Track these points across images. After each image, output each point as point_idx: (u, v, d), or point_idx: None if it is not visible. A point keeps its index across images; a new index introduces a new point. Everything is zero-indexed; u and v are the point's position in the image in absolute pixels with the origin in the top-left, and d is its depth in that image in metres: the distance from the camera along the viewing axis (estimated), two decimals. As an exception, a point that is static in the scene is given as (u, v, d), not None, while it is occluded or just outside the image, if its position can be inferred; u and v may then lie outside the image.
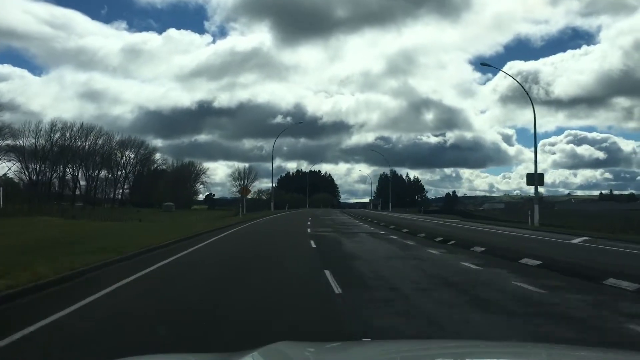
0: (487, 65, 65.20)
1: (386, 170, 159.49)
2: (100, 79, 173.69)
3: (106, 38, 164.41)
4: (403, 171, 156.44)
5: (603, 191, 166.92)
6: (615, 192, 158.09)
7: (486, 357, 2.45)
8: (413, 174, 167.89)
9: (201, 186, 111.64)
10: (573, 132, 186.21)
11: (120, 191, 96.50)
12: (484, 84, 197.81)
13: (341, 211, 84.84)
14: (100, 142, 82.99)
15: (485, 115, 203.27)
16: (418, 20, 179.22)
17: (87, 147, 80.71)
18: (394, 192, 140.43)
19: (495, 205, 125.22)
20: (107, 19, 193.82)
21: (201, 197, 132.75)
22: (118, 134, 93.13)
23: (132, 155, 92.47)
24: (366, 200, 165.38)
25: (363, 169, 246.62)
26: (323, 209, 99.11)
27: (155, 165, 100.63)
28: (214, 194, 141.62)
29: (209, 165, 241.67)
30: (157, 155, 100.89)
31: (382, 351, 2.55)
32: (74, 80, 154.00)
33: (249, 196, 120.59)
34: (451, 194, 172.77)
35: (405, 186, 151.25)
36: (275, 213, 54.81)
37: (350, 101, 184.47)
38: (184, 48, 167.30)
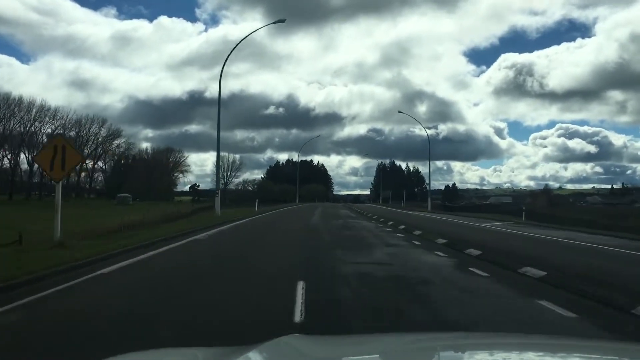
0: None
1: (377, 161, 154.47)
2: (89, 67, 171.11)
3: (95, 25, 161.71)
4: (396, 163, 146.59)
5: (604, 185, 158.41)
6: (606, 186, 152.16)
7: (495, 349, 2.40)
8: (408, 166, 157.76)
9: (181, 175, 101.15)
10: (564, 125, 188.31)
11: (85, 180, 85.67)
12: (478, 76, 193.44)
13: (348, 208, 59.32)
14: (46, 121, 71.58)
15: (479, 108, 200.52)
16: (414, 9, 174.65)
17: (28, 127, 69.42)
18: (393, 183, 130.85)
19: (502, 199, 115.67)
20: (96, 6, 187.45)
21: (184, 187, 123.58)
22: (72, 112, 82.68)
23: (92, 138, 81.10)
24: (358, 192, 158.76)
25: (355, 161, 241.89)
26: (319, 204, 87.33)
27: (121, 150, 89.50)
28: (198, 185, 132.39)
29: (200, 156, 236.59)
30: (123, 140, 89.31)
31: (396, 343, 2.59)
32: (62, 68, 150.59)
33: (232, 187, 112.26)
34: (450, 186, 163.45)
35: (405, 177, 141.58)
36: (221, 222, 24.96)
37: (343, 92, 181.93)
38: (175, 36, 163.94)
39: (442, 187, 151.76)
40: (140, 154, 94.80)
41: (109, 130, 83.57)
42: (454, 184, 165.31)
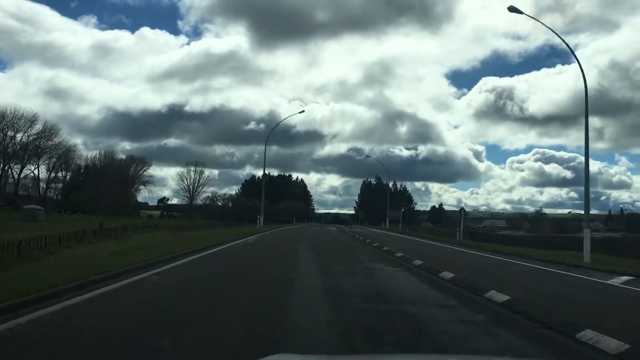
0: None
1: (357, 180, 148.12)
2: (67, 76, 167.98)
3: (75, 34, 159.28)
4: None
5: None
6: (580, 212, 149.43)
7: None
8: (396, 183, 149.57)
9: (142, 187, 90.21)
10: (541, 150, 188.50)
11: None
12: (459, 98, 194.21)
13: (366, 244, 30.22)
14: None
15: (459, 130, 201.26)
16: (399, 29, 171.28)
17: None
18: (377, 202, 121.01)
19: (496, 222, 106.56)
20: (77, 15, 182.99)
21: (147, 200, 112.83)
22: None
23: (20, 136, 69.14)
24: (336, 210, 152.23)
25: (334, 180, 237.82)
26: (299, 227, 65.90)
27: (60, 153, 77.53)
28: (168, 199, 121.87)
29: (178, 170, 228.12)
30: (60, 140, 77.40)
31: None
32: (39, 77, 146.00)
33: (199, 201, 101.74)
34: (437, 207, 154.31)
35: (391, 195, 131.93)
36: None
37: (324, 110, 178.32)
38: (157, 48, 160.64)
39: (422, 209, 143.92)
40: (93, 161, 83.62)
41: (43, 127, 71.25)
42: (441, 205, 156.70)
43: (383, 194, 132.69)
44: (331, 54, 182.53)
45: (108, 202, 75.72)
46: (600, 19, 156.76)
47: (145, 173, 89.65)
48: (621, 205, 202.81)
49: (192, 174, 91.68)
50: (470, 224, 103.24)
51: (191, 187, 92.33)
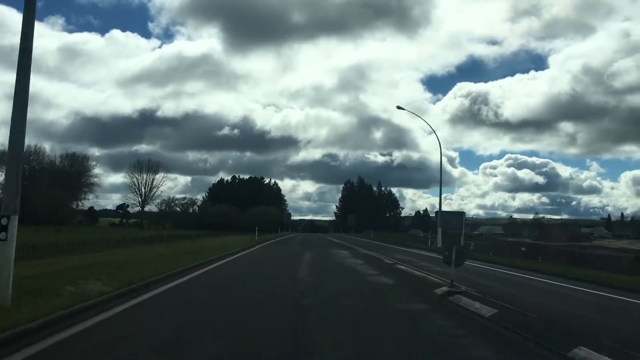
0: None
1: (332, 186, 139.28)
2: (33, 80, 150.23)
3: (41, 37, 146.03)
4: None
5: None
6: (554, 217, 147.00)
7: None
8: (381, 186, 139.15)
9: (86, 191, 77.07)
10: (514, 156, 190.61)
11: None
12: (434, 104, 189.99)
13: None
14: None
15: (433, 136, 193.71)
16: (375, 33, 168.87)
17: None
18: (363, 207, 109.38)
19: (494, 229, 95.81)
20: (43, 16, 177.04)
21: (100, 206, 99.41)
22: None
23: None
24: (310, 217, 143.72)
25: (308, 186, 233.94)
26: (281, 244, 36.66)
27: None
28: (128, 205, 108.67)
29: (149, 177, 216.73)
30: None
31: None
32: (4, 81, 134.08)
33: (154, 208, 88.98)
34: (422, 212, 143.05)
35: (375, 200, 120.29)
36: None
37: (299, 116, 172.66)
38: (128, 51, 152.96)
39: (401, 215, 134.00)
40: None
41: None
42: (426, 210, 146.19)
43: (367, 197, 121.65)
44: (306, 58, 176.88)
45: (40, 209, 62.80)
46: (575, 23, 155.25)
47: (90, 175, 76.41)
48: (591, 210, 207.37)
49: (144, 176, 79.07)
50: (468, 231, 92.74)
51: (143, 190, 79.67)
